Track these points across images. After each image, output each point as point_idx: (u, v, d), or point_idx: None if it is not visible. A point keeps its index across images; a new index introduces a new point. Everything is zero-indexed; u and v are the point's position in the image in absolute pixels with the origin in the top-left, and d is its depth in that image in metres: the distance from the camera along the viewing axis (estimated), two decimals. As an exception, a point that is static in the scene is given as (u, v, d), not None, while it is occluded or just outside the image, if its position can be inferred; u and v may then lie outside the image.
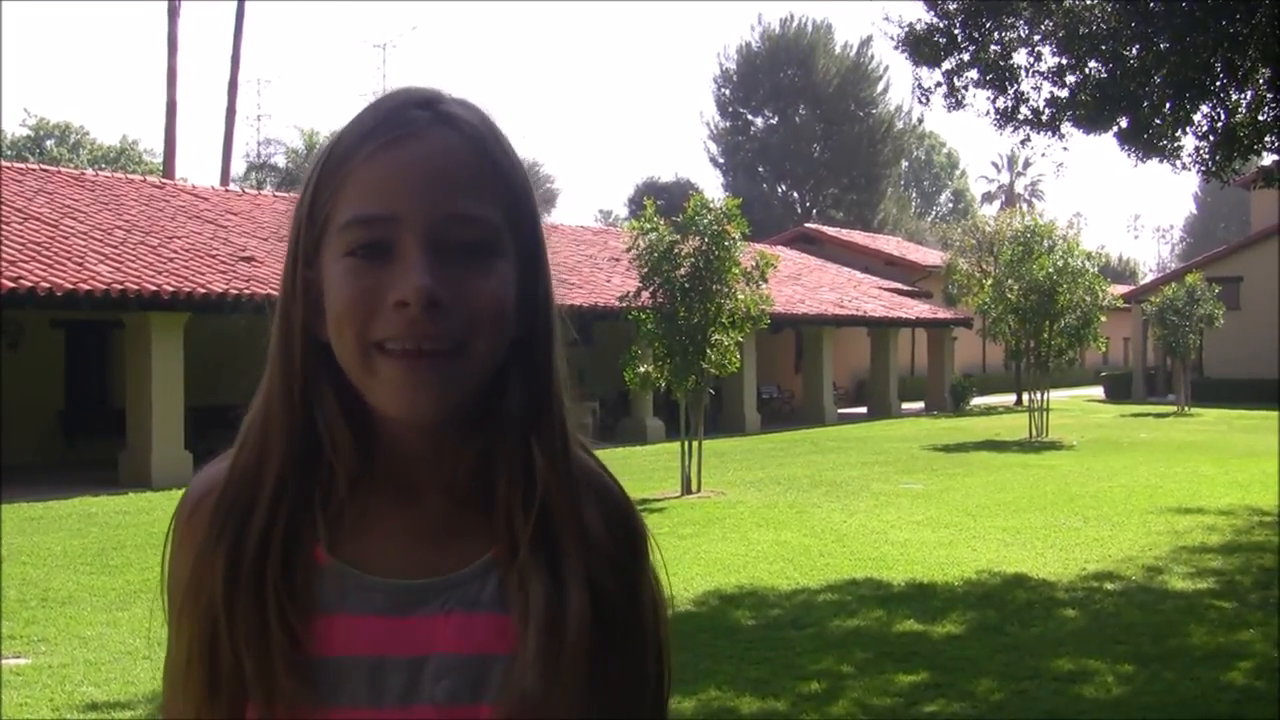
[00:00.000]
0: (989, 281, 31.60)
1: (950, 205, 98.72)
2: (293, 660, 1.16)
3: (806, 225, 55.42)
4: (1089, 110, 13.89)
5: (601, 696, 1.23)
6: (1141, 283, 67.08)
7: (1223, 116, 13.91)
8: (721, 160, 72.68)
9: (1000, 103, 14.71)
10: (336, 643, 1.18)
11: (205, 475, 1.27)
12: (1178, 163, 14.47)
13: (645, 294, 17.46)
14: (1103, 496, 16.98)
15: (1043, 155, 36.14)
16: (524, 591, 1.21)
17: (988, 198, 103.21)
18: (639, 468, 20.50)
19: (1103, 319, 28.41)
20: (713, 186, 73.71)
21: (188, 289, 19.46)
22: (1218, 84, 13.40)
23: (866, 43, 70.84)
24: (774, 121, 71.07)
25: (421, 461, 1.25)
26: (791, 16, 74.28)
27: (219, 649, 1.18)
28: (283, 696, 1.16)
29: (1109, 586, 10.73)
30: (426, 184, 1.17)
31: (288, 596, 1.18)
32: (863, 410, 37.63)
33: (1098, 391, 50.08)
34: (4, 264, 18.02)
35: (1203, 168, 14.37)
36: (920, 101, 15.51)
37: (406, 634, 1.20)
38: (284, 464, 1.21)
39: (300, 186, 1.25)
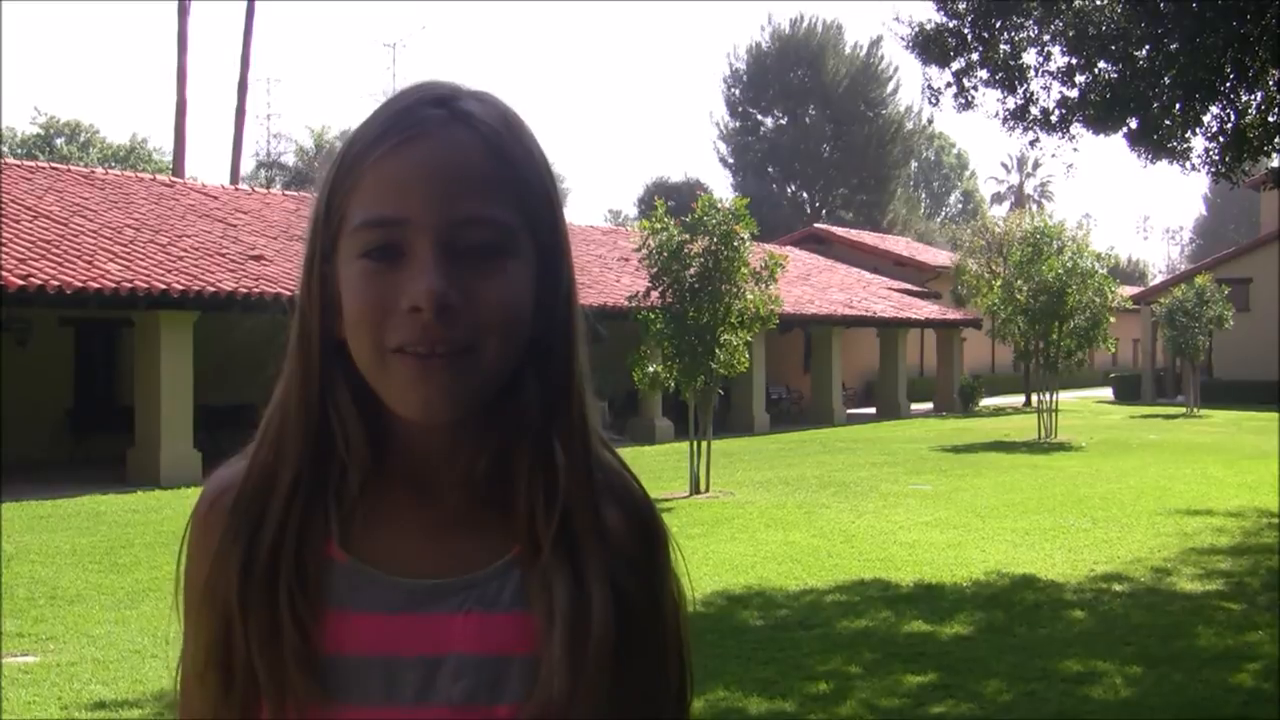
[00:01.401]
0: (998, 282, 31.61)
1: (960, 206, 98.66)
2: (304, 659, 1.16)
3: (815, 225, 55.46)
4: (1098, 111, 13.87)
5: (623, 699, 1.21)
6: (1151, 284, 67.00)
7: (1232, 117, 13.89)
8: (731, 160, 72.65)
9: (1010, 103, 14.70)
10: (350, 640, 1.18)
11: (221, 475, 1.27)
12: (1187, 164, 14.46)
13: (654, 294, 17.47)
14: (1111, 498, 16.95)
15: (1052, 156, 36.36)
16: (548, 593, 1.20)
17: (997, 198, 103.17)
18: (647, 467, 20.48)
19: (1112, 320, 28.41)
20: (722, 186, 73.86)
21: (197, 287, 19.50)
22: (1228, 85, 13.38)
23: (876, 43, 70.79)
24: (783, 122, 71.03)
25: (438, 460, 1.24)
26: (801, 17, 74.18)
27: (234, 648, 1.17)
28: (294, 695, 1.15)
29: (1117, 588, 10.72)
30: (438, 186, 1.16)
31: (301, 595, 1.17)
32: (871, 411, 37.61)
33: (1106, 393, 50.01)
34: (14, 262, 18.07)
35: (1212, 169, 14.35)
36: (930, 102, 15.49)
37: (422, 632, 1.19)
38: (300, 462, 1.21)
39: (316, 185, 1.25)
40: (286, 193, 33.13)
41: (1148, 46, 13.42)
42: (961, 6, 14.28)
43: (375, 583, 1.20)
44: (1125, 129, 14.20)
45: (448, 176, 1.17)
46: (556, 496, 1.22)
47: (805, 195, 71.84)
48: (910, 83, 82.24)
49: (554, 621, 1.18)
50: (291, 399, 1.23)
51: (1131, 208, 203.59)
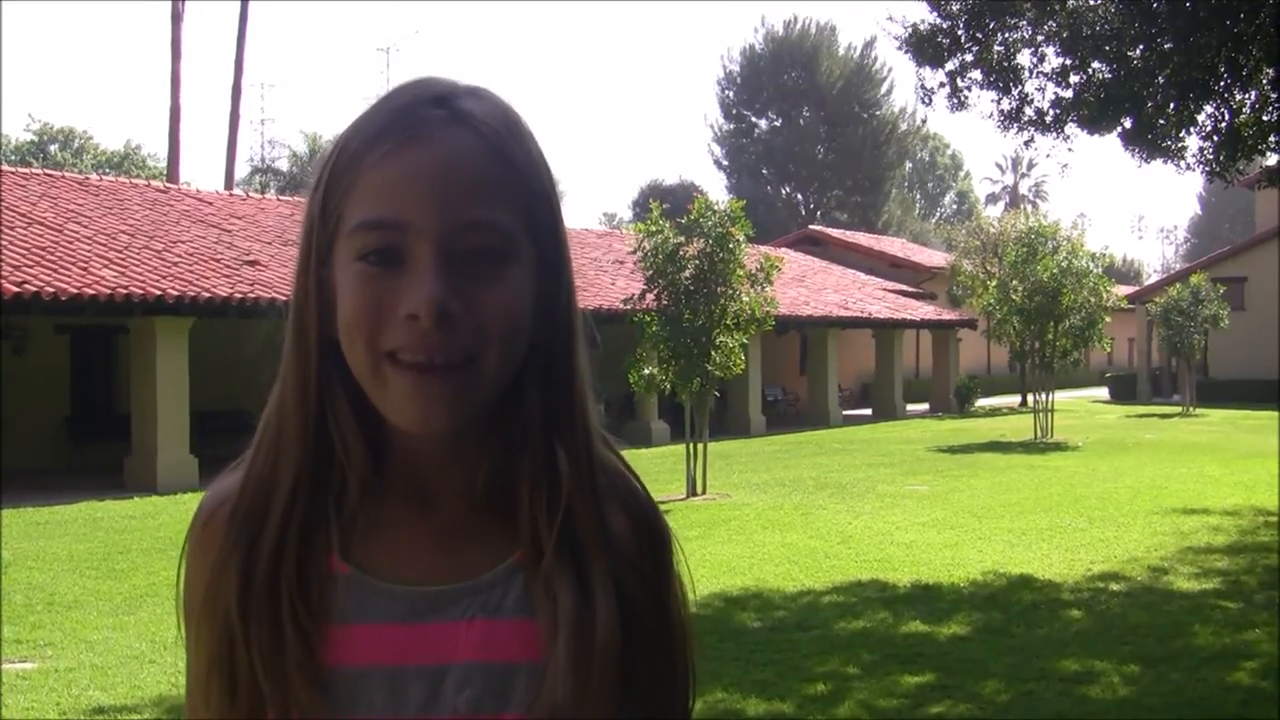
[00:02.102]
0: (993, 283, 31.58)
1: (954, 207, 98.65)
2: (308, 670, 1.14)
3: (811, 227, 55.43)
4: (1093, 111, 13.88)
5: (629, 702, 1.20)
6: (1146, 283, 67.03)
7: (1227, 117, 13.90)
8: (726, 162, 72.68)
9: (1004, 104, 14.71)
10: (354, 652, 1.16)
11: (218, 487, 1.25)
12: (1182, 163, 14.46)
13: (650, 296, 17.46)
14: (1108, 497, 16.96)
15: (1047, 156, 35.92)
16: (552, 601, 1.18)
17: (992, 199, 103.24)
18: (644, 470, 19.95)
19: (1107, 320, 28.44)
20: (717, 189, 73.79)
21: (192, 293, 19.47)
22: (1222, 84, 13.39)
23: (870, 44, 70.83)
24: (778, 123, 71.06)
25: (438, 466, 1.22)
26: (795, 18, 74.20)
27: (236, 659, 1.16)
28: (298, 707, 1.14)
29: (1114, 587, 10.73)
30: (438, 190, 1.13)
31: (303, 605, 1.16)
32: (868, 412, 37.61)
33: (1102, 392, 50.02)
34: (9, 269, 18.04)
35: (1207, 168, 14.35)
36: (923, 102, 15.50)
37: (426, 642, 1.17)
38: (298, 470, 1.19)
39: (312, 185, 1.21)
40: (281, 198, 33.13)
41: (1142, 46, 13.43)
42: (955, 7, 14.29)
43: (377, 593, 1.19)
44: (1120, 129, 14.21)
45: (449, 180, 1.14)
46: (559, 504, 1.20)
47: (800, 197, 71.87)
48: (904, 84, 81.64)
49: (558, 630, 1.16)
50: (288, 404, 1.20)
51: (1126, 207, 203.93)
